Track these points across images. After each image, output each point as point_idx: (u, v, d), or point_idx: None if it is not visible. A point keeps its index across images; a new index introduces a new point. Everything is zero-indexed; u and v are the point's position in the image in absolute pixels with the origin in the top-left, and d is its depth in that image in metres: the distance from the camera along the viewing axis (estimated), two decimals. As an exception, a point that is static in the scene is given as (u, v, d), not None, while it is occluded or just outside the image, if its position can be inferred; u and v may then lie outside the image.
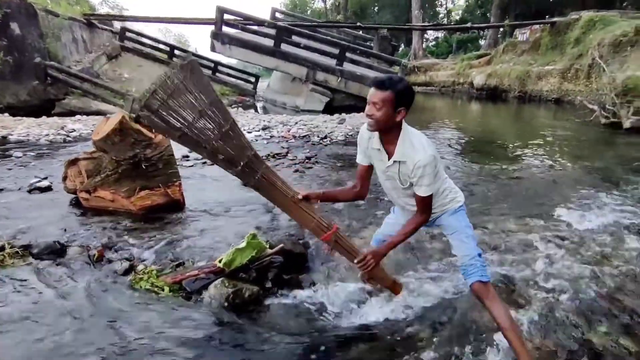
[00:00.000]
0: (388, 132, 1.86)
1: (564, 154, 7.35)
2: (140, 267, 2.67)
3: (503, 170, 6.06)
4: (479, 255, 2.05)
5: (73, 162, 4.32)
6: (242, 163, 1.90)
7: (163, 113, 1.73)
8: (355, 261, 2.08)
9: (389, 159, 1.91)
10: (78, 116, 10.57)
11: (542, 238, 3.55)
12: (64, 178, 4.37)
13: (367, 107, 1.82)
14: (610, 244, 3.44)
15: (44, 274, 2.47)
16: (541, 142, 8.50)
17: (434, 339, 2.19)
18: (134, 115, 3.46)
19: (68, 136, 8.18)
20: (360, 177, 2.14)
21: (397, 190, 2.03)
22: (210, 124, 1.82)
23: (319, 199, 2.14)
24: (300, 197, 2.04)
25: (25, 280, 2.39)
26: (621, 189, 5.08)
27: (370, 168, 2.11)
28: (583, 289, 2.72)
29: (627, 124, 9.74)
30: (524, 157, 7.09)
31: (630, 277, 2.86)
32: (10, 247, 2.77)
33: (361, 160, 2.11)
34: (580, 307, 2.52)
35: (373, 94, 1.80)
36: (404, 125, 1.87)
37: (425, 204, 1.96)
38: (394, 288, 2.35)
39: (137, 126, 4.03)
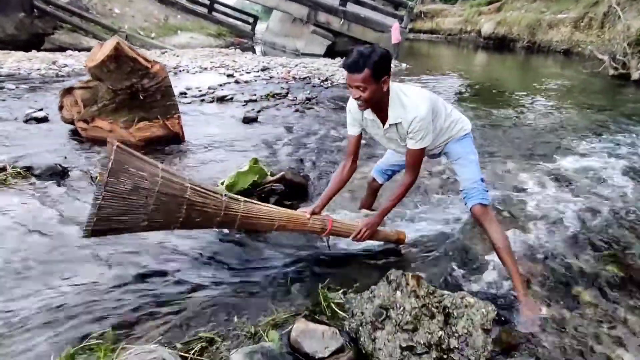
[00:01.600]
0: (378, 102, 1.85)
1: (568, 103, 7.24)
2: (143, 189, 2.70)
3: (506, 116, 6.00)
4: (482, 180, 2.08)
5: (68, 91, 4.21)
6: (220, 215, 1.75)
7: (115, 223, 1.51)
8: (351, 238, 2.12)
9: (383, 125, 1.93)
10: (69, 51, 10.15)
11: (539, 178, 3.61)
12: (60, 107, 4.28)
13: (352, 91, 1.80)
14: (603, 184, 3.50)
15: (47, 192, 2.50)
16: (546, 91, 8.34)
17: (429, 260, 2.29)
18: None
19: (60, 71, 7.92)
20: (353, 149, 2.11)
21: (401, 148, 2.05)
22: (168, 199, 1.60)
23: (324, 206, 2.15)
24: (308, 216, 2.06)
25: (28, 197, 2.42)
26: (620, 136, 5.07)
27: (361, 136, 2.11)
28: (573, 222, 2.81)
29: (635, 75, 9.51)
30: (527, 105, 7.00)
31: (618, 213, 2.94)
32: (12, 168, 2.77)
33: (353, 131, 2.08)
34: (569, 237, 2.62)
35: (351, 78, 1.75)
36: (391, 87, 1.85)
37: (415, 160, 1.97)
38: (398, 239, 2.38)
39: (133, 54, 3.88)
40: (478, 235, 2.45)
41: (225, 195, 1.82)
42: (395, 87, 1.88)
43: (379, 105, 1.87)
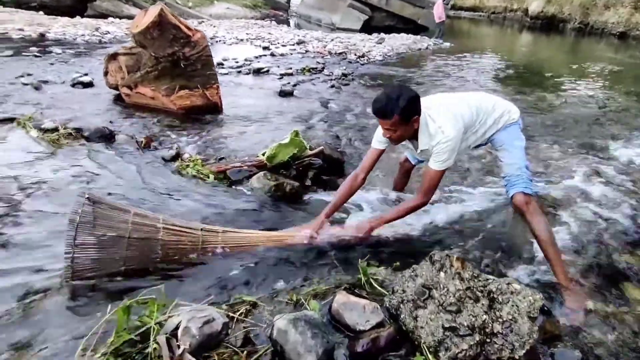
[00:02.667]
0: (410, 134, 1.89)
1: (621, 90, 6.75)
2: (186, 155, 2.78)
3: (550, 102, 5.68)
4: (526, 167, 1.99)
5: (113, 57, 4.31)
6: (198, 249, 1.76)
7: (90, 271, 1.54)
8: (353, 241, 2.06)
9: (416, 149, 1.97)
10: (111, 19, 10.35)
11: (586, 167, 3.43)
12: (105, 73, 4.40)
13: (383, 131, 1.83)
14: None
15: (97, 154, 2.60)
16: (596, 77, 7.80)
17: (465, 246, 2.24)
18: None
19: (103, 38, 8.11)
20: (370, 162, 2.07)
21: None
22: (141, 243, 1.62)
23: (329, 217, 2.07)
24: (315, 235, 1.98)
25: (80, 158, 2.53)
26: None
27: (383, 151, 2.07)
28: (622, 215, 2.67)
29: (701, 63, 8.69)
30: (575, 91, 6.58)
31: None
32: (64, 129, 2.90)
33: (377, 145, 2.04)
34: (617, 230, 2.49)
35: (381, 122, 1.79)
36: (421, 117, 1.82)
37: (431, 183, 1.91)
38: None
39: (176, 21, 3.90)
40: (521, 223, 2.36)
41: (202, 229, 1.80)
42: (425, 112, 1.84)
43: (410, 135, 1.90)
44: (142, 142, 2.94)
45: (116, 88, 4.31)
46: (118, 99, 4.30)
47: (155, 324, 1.31)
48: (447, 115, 1.85)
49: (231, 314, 1.42)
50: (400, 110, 1.71)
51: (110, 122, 3.56)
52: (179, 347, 1.21)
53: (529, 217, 1.91)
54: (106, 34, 8.33)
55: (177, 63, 3.99)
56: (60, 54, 6.35)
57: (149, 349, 1.23)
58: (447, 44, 11.01)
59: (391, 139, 1.86)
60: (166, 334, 1.25)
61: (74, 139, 2.85)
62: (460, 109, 1.91)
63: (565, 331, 1.69)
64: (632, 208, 2.77)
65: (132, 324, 1.35)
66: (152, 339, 1.25)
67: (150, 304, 1.39)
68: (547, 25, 18.92)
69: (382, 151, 2.08)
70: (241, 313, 1.46)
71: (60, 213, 1.95)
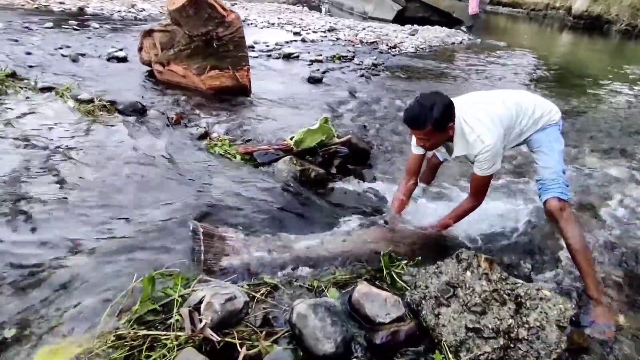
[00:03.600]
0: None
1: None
2: (214, 135, 2.80)
3: (589, 106, 5.40)
4: (563, 172, 1.89)
5: (148, 33, 4.36)
6: None
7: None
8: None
9: (450, 155, 1.91)
10: (146, -4, 10.49)
11: (621, 175, 3.26)
12: (140, 49, 4.47)
13: (416, 140, 1.80)
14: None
15: (130, 127, 2.65)
16: (637, 82, 7.36)
17: (493, 248, 2.17)
18: None
19: (138, 15, 8.24)
20: (414, 167, 2.08)
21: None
22: None
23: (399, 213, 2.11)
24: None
25: (115, 129, 2.59)
26: None
27: (424, 155, 2.07)
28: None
29: None
30: (616, 96, 6.24)
31: None
32: (99, 101, 2.96)
33: (417, 150, 2.01)
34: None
35: (414, 132, 1.76)
36: (456, 122, 1.76)
37: (480, 188, 1.88)
38: None
39: (212, 0, 3.90)
40: (554, 228, 2.27)
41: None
42: (459, 118, 1.78)
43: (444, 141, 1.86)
44: (172, 118, 2.98)
45: (149, 64, 4.37)
46: (150, 76, 4.36)
47: (178, 297, 1.33)
48: (485, 122, 1.77)
49: (252, 294, 1.43)
50: (434, 121, 1.66)
51: (142, 97, 3.62)
52: (200, 321, 1.22)
53: (563, 224, 1.82)
54: (141, 11, 8.46)
55: (209, 43, 4.00)
56: (97, 28, 6.49)
57: (172, 320, 1.25)
58: (479, 40, 10.62)
59: (424, 147, 1.83)
60: (189, 307, 1.26)
61: (108, 111, 2.92)
62: (497, 112, 1.82)
63: (593, 344, 1.62)
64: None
65: (156, 295, 1.38)
66: (175, 310, 1.27)
67: (175, 277, 1.41)
68: (591, 25, 17.93)
69: (423, 156, 2.07)
70: (262, 294, 1.47)
71: (90, 180, 2.00)
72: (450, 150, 1.91)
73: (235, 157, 2.51)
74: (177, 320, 1.25)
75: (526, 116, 1.90)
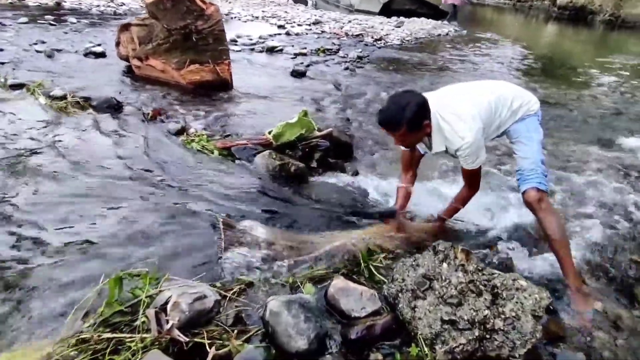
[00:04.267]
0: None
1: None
2: (192, 130, 2.73)
3: (572, 96, 5.45)
4: (542, 162, 1.88)
5: (125, 27, 4.25)
6: None
7: None
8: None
9: (430, 150, 1.90)
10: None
11: (604, 165, 3.29)
12: (117, 44, 4.35)
13: (394, 140, 1.76)
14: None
15: (103, 123, 2.57)
16: (623, 73, 7.46)
17: (471, 239, 2.16)
18: None
19: (118, 9, 8.05)
20: (407, 163, 2.08)
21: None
22: None
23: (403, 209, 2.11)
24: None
25: (86, 126, 2.51)
26: None
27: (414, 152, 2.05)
28: (635, 216, 2.55)
29: None
30: (599, 86, 6.30)
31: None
32: (72, 97, 2.87)
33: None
34: (632, 232, 2.38)
35: (389, 134, 1.73)
36: (432, 118, 1.74)
37: (472, 177, 1.88)
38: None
39: (189, -8, 3.81)
40: (533, 218, 2.27)
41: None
42: (436, 114, 1.76)
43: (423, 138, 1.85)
44: (149, 114, 2.90)
45: (127, 59, 4.26)
46: (129, 71, 4.26)
47: (146, 297, 1.28)
48: (463, 117, 1.75)
49: (224, 293, 1.39)
50: (407, 120, 1.64)
51: (120, 92, 3.53)
52: (167, 321, 1.18)
53: (541, 214, 1.81)
54: (121, 5, 8.26)
55: (188, 36, 3.91)
56: (74, 23, 6.32)
57: (138, 322, 1.21)
58: (465, 31, 10.64)
59: (403, 145, 1.84)
60: (156, 307, 1.22)
61: (82, 108, 2.83)
62: (476, 106, 1.80)
63: (571, 332, 1.62)
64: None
65: (124, 296, 1.33)
66: (141, 311, 1.23)
67: (142, 277, 1.36)
68: (575, 16, 18.12)
69: (412, 152, 2.04)
70: (234, 292, 1.43)
71: (59, 178, 1.93)
72: (429, 146, 1.89)
73: (213, 153, 2.46)
74: (143, 322, 1.21)
75: (505, 107, 1.89)
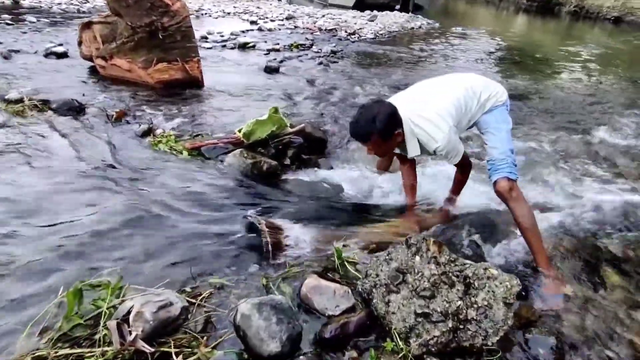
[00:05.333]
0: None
1: (611, 76, 6.70)
2: (159, 131, 2.64)
3: (542, 85, 5.60)
4: (511, 151, 1.90)
5: (87, 26, 4.07)
6: None
7: None
8: None
9: (408, 155, 1.93)
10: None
11: (572, 152, 3.39)
12: (79, 43, 4.17)
13: (367, 150, 1.79)
14: (634, 162, 3.26)
15: (63, 127, 2.45)
16: (588, 62, 7.72)
17: (451, 228, 2.17)
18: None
19: (81, 7, 7.72)
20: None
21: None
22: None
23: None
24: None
25: (44, 130, 2.38)
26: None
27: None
28: (605, 201, 2.63)
29: (693, 50, 8.67)
30: (566, 75, 6.50)
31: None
32: (30, 100, 2.72)
33: None
34: (601, 216, 2.46)
35: (362, 145, 1.77)
36: (403, 119, 1.77)
37: (462, 162, 1.96)
38: None
39: (153, -12, 3.67)
40: (505, 207, 2.31)
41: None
42: (408, 121, 1.79)
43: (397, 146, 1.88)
44: (113, 115, 2.78)
45: (91, 59, 4.09)
46: (93, 72, 4.08)
47: (107, 308, 1.22)
48: (434, 121, 1.77)
49: (190, 300, 1.34)
50: (378, 131, 1.67)
51: (83, 94, 3.38)
52: (130, 332, 1.12)
53: (512, 203, 1.85)
54: (85, 2, 7.93)
55: (154, 34, 3.78)
56: (34, 22, 6.02)
57: (98, 335, 1.15)
58: (437, 24, 10.76)
59: (376, 154, 1.86)
60: (117, 318, 1.16)
61: (40, 111, 2.69)
62: (445, 105, 1.81)
63: (542, 317, 1.65)
64: (613, 192, 2.74)
65: (86, 308, 1.27)
66: (102, 323, 1.17)
67: (104, 287, 1.30)
68: (543, 7, 18.66)
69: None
70: (203, 297, 1.38)
71: (13, 186, 1.83)
72: (406, 151, 1.91)
73: (181, 153, 2.38)
74: (105, 335, 1.15)
75: (474, 100, 1.90)
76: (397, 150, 2.21)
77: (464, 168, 2.07)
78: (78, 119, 2.65)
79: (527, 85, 5.50)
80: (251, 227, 1.78)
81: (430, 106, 1.79)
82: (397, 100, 1.86)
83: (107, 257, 1.55)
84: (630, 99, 5.25)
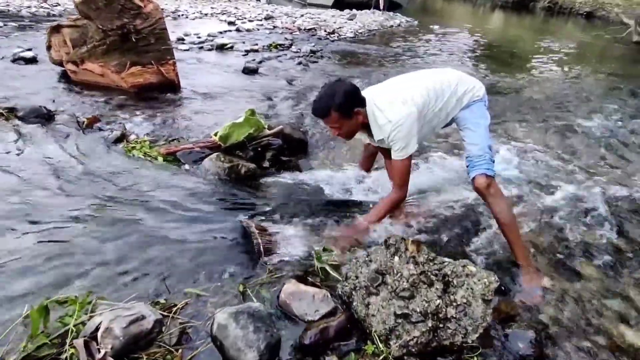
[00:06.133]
0: (361, 126, 1.86)
1: (584, 69, 6.88)
2: (132, 137, 2.56)
3: (517, 80, 5.70)
4: (489, 147, 1.92)
5: (56, 29, 3.93)
6: None
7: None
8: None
9: (375, 141, 1.91)
10: (62, -11, 9.54)
11: (548, 145, 3.45)
12: (48, 47, 4.02)
13: (330, 130, 1.80)
14: (612, 156, 3.35)
15: (30, 135, 2.35)
16: (562, 56, 7.91)
17: (431, 226, 2.17)
18: None
19: (52, 10, 7.48)
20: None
21: None
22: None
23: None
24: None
25: (9, 139, 2.28)
26: (635, 107, 4.82)
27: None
28: (581, 194, 2.68)
29: (660, 42, 8.99)
30: (541, 69, 6.64)
31: (626, 186, 2.81)
32: (-6, 108, 2.61)
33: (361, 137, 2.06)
34: (576, 208, 2.51)
35: (324, 122, 1.77)
36: (368, 104, 1.77)
37: (399, 174, 1.85)
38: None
39: (124, -10, 3.57)
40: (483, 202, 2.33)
41: None
42: (371, 104, 1.79)
43: (362, 127, 1.85)
44: (84, 122, 2.69)
45: (61, 64, 3.95)
46: (64, 77, 3.94)
47: (75, 326, 1.17)
48: (394, 103, 1.77)
49: (162, 312, 1.29)
50: (337, 107, 1.67)
51: (53, 101, 3.26)
52: (99, 350, 1.08)
53: (490, 199, 1.86)
54: (55, 5, 7.68)
55: (127, 37, 3.68)
56: (1, 27, 5.79)
57: (65, 354, 1.10)
58: (416, 22, 10.86)
59: (340, 135, 1.81)
60: (85, 336, 1.11)
61: (6, 119, 2.58)
62: (409, 92, 1.81)
63: (521, 311, 1.66)
64: (589, 186, 2.79)
65: (53, 326, 1.21)
66: (68, 342, 1.12)
67: (71, 303, 1.24)
68: (518, 4, 19.08)
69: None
70: (178, 308, 1.34)
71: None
72: (372, 139, 1.90)
73: (156, 159, 2.32)
74: (72, 354, 1.10)
75: (450, 94, 1.90)
76: (366, 141, 2.19)
77: (397, 191, 1.91)
78: (46, 127, 2.55)
79: (505, 80, 5.59)
80: (245, 232, 1.77)
81: (395, 92, 1.80)
82: (371, 88, 1.87)
83: (78, 270, 1.49)
84: (603, 93, 5.39)
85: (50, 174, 1.97)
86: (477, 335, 1.36)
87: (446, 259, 1.53)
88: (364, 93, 1.81)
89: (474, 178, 1.87)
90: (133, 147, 2.39)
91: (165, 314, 1.28)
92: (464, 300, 1.41)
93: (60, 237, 1.61)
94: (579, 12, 15.98)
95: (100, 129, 2.67)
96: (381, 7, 12.14)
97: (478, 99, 1.96)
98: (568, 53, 8.33)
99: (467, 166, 1.92)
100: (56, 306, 1.25)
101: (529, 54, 7.92)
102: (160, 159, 2.33)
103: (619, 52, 9.03)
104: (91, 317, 1.18)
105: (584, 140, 3.62)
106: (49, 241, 1.59)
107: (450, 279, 1.46)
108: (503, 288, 1.75)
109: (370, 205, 2.27)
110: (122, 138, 2.51)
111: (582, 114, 4.32)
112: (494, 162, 1.91)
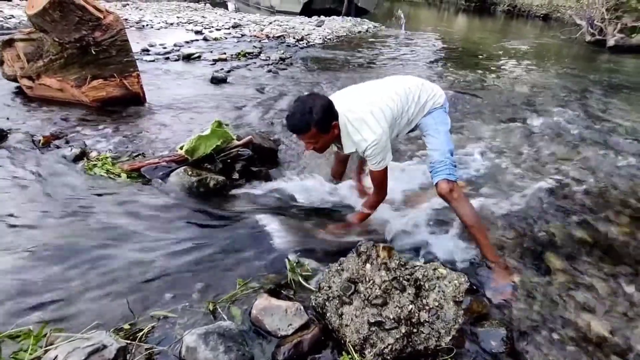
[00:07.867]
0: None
1: (542, 68, 7.20)
2: (94, 154, 2.46)
3: (480, 80, 5.88)
4: (450, 153, 1.96)
5: (9, 44, 3.74)
6: None
7: None
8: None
9: (344, 151, 1.93)
10: (16, 1, 9.15)
11: (511, 143, 3.58)
12: (0, 62, 3.82)
13: (305, 144, 1.77)
14: (573, 151, 3.50)
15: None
16: (522, 56, 8.25)
17: (397, 230, 2.19)
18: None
19: (6, 23, 7.13)
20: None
21: None
22: None
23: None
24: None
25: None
26: (591, 103, 5.08)
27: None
28: (544, 189, 2.78)
29: (611, 42, 9.55)
30: (502, 69, 6.90)
31: (588, 180, 2.94)
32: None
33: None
34: (541, 204, 2.60)
35: (299, 138, 1.75)
36: (340, 117, 1.78)
37: (379, 180, 1.92)
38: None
39: (81, 1, 3.44)
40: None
41: None
42: (343, 116, 1.80)
43: (334, 140, 1.86)
44: (40, 140, 2.56)
45: (15, 80, 3.76)
46: (20, 93, 3.76)
47: (29, 361, 1.09)
48: (368, 121, 1.78)
49: (128, 341, 1.23)
50: (315, 122, 1.65)
51: (7, 118, 3.09)
52: (56, 386, 1.01)
53: (454, 203, 1.90)
54: (10, 18, 7.33)
55: (86, 49, 3.54)
56: (-51, 42, 5.46)
57: (19, 394, 1.02)
58: (384, 27, 11.06)
59: (315, 150, 1.80)
60: (40, 372, 1.04)
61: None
62: (381, 107, 1.83)
63: (493, 309, 1.70)
64: (552, 181, 2.90)
65: (6, 362, 1.13)
66: (22, 380, 1.04)
67: (24, 337, 1.16)
68: (480, 7, 19.84)
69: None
70: (143, 334, 1.28)
71: None
72: (342, 149, 1.91)
73: (119, 176, 2.23)
74: (26, 392, 1.02)
75: (413, 103, 1.94)
76: (335, 149, 2.21)
77: (378, 194, 2.00)
78: (-1, 147, 2.41)
79: (469, 81, 5.76)
80: None
81: (366, 108, 1.80)
82: (334, 97, 1.87)
83: (33, 301, 1.40)
84: (562, 90, 5.65)
85: (2, 199, 1.85)
86: (450, 337, 1.38)
87: (417, 263, 1.55)
88: (332, 100, 1.81)
89: (436, 184, 1.91)
90: (94, 165, 2.28)
91: (128, 341, 1.22)
92: (436, 304, 1.42)
93: (12, 266, 1.51)
94: (536, 14, 16.78)
95: (58, 147, 2.55)
96: (343, 12, 12.31)
97: (439, 105, 2.01)
98: (527, 53, 8.70)
99: (430, 172, 1.96)
100: (8, 341, 1.17)
101: (492, 54, 8.22)
102: (123, 175, 2.24)
103: (574, 52, 9.52)
104: (47, 350, 1.10)
105: (545, 137, 3.77)
106: (2, 272, 1.49)
107: (422, 283, 1.46)
108: (474, 287, 1.78)
109: (342, 212, 2.28)
110: (82, 156, 2.40)
111: (543, 112, 4.50)
112: (455, 166, 1.95)
